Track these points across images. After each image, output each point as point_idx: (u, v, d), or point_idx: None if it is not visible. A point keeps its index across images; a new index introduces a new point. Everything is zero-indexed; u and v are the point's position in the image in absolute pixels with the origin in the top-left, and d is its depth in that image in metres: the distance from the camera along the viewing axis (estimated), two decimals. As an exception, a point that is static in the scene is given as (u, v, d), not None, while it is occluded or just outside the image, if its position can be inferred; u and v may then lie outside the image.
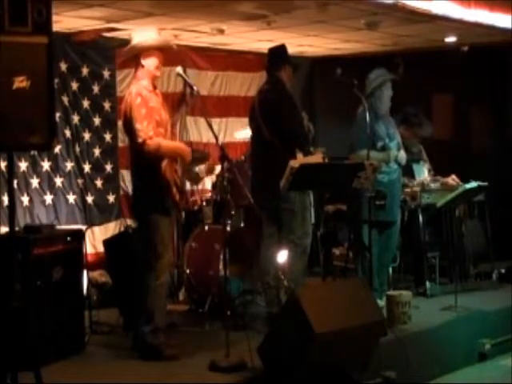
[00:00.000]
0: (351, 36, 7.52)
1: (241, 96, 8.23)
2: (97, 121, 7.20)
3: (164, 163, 4.80)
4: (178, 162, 4.91)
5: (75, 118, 7.03)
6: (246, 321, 5.62)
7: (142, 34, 4.93)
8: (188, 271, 6.03)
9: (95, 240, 6.94)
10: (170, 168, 4.83)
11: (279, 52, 5.68)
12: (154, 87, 4.94)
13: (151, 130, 4.71)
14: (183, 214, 6.43)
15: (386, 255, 6.14)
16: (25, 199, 6.59)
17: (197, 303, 6.03)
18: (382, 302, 5.64)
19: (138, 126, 4.70)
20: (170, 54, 7.54)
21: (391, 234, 6.14)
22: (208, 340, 5.21)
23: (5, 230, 5.16)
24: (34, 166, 6.68)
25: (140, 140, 4.69)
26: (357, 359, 4.70)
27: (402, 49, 8.18)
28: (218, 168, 5.30)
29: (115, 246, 5.98)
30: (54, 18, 3.58)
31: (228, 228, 5.55)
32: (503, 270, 7.22)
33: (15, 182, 6.22)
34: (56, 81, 6.51)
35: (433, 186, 6.84)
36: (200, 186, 7.42)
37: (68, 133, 6.95)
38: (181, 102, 5.08)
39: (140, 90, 4.81)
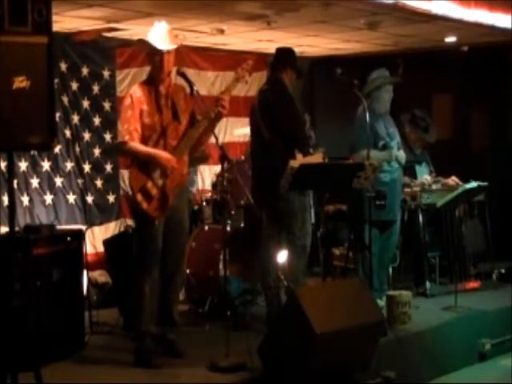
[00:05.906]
0: (351, 36, 7.52)
1: (241, 96, 8.21)
2: (97, 121, 7.20)
3: (131, 169, 4.73)
4: (153, 169, 4.65)
5: (75, 118, 7.03)
6: (246, 321, 5.62)
7: (155, 31, 4.72)
8: (188, 271, 6.02)
9: (95, 240, 6.93)
10: (139, 175, 4.64)
11: (285, 54, 5.64)
12: (167, 86, 4.77)
13: (127, 134, 4.63)
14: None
15: (386, 255, 6.13)
16: (25, 199, 6.59)
17: (197, 303, 6.02)
18: (382, 302, 5.64)
19: (119, 127, 4.76)
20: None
21: (391, 234, 6.13)
22: (208, 340, 5.20)
23: (5, 229, 5.15)
24: (34, 166, 6.68)
25: (116, 142, 4.92)
26: (357, 359, 4.70)
27: (402, 49, 8.18)
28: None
29: (115, 245, 5.98)
30: (54, 17, 3.58)
31: (228, 228, 5.54)
32: (503, 270, 7.22)
33: (15, 182, 6.22)
34: (56, 81, 6.50)
35: (433, 186, 6.84)
36: (200, 186, 7.42)
37: (68, 133, 6.96)
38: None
39: (133, 91, 4.77)
